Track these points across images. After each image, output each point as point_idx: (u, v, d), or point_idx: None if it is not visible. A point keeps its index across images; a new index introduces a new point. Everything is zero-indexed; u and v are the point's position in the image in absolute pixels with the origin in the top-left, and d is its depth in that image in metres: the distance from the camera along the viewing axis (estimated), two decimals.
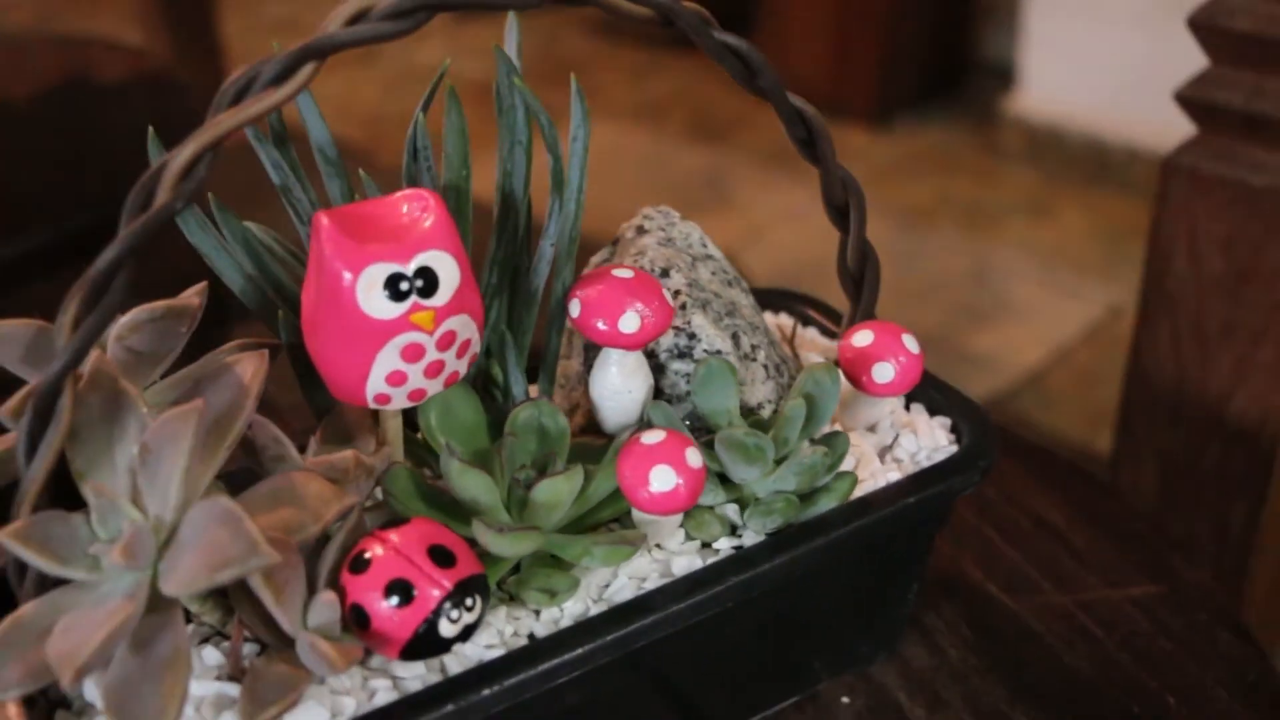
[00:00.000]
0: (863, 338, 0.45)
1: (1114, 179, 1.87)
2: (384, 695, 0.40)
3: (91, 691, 0.41)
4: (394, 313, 0.39)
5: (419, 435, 0.45)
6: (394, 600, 0.38)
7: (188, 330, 0.42)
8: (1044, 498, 0.58)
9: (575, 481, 0.41)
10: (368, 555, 0.39)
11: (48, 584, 0.39)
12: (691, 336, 0.46)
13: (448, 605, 0.38)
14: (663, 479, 0.40)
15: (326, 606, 0.39)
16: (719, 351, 0.46)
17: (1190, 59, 0.67)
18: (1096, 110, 1.83)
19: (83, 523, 0.39)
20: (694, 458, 0.41)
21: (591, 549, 0.41)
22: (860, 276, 0.48)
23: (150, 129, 0.41)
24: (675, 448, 0.41)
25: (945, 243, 1.76)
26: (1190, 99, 0.68)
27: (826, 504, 0.43)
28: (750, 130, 2.05)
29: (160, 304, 0.41)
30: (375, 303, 0.39)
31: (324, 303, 0.39)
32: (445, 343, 0.41)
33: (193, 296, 0.42)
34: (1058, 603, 0.54)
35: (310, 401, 0.45)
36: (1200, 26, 0.67)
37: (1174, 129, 0.67)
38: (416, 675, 0.40)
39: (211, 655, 0.41)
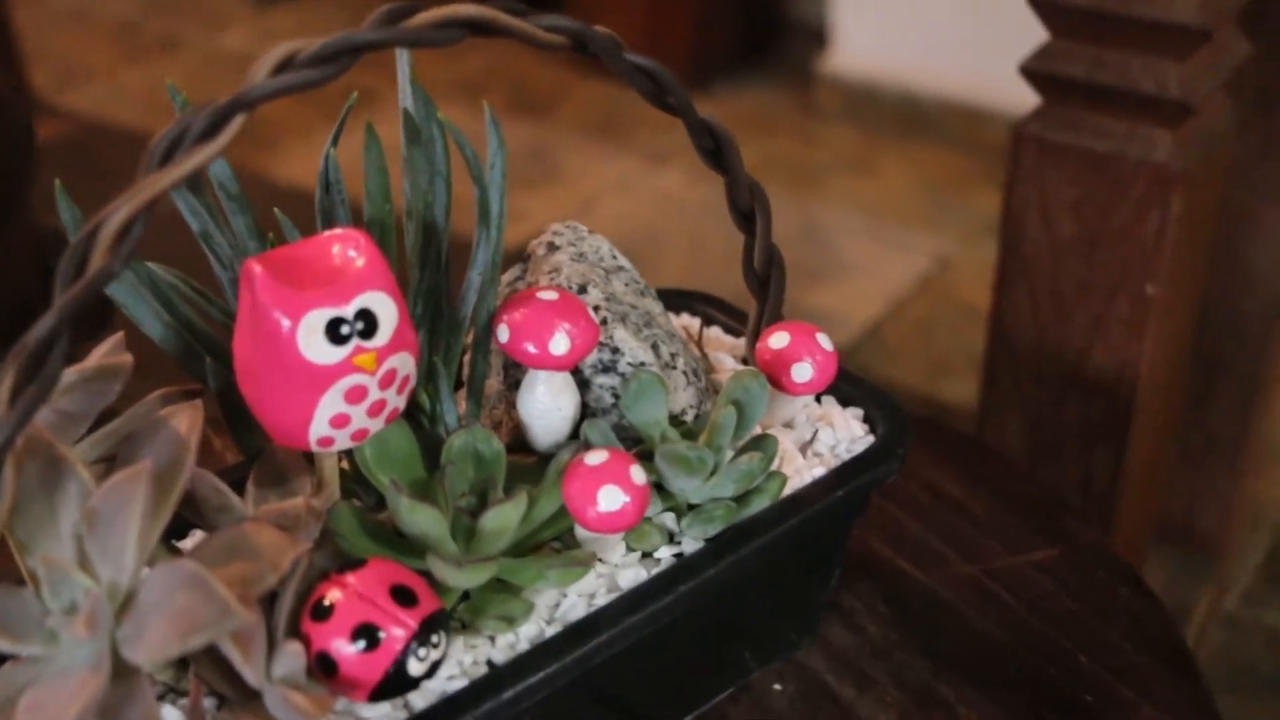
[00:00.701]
0: (779, 339, 0.49)
1: (930, 132, 1.95)
2: None
3: None
4: (336, 357, 0.40)
5: (343, 465, 0.46)
6: (361, 645, 0.40)
7: (119, 389, 0.42)
8: (938, 470, 0.63)
9: (521, 507, 0.43)
10: (328, 601, 0.40)
11: None
12: (615, 350, 0.48)
13: (415, 644, 0.40)
14: (610, 498, 0.43)
15: (292, 657, 0.40)
16: (643, 363, 0.48)
17: (998, 9, 0.72)
18: (908, 65, 1.91)
19: (31, 596, 0.39)
20: (638, 475, 0.43)
21: (545, 573, 0.43)
22: (767, 278, 0.51)
23: (57, 184, 0.41)
24: (619, 467, 0.43)
25: (773, 204, 1.82)
26: (1034, 71, 0.74)
27: (759, 504, 0.46)
28: (571, 103, 2.07)
29: (90, 364, 0.41)
30: (317, 348, 0.40)
31: (262, 350, 0.40)
32: (386, 381, 0.42)
33: (121, 353, 0.42)
34: (965, 573, 0.58)
35: (240, 445, 0.45)
36: (1040, 2, 0.72)
37: (988, 81, 0.71)
38: (382, 715, 0.42)
39: (170, 714, 0.42)
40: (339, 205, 0.46)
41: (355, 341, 0.40)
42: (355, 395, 0.41)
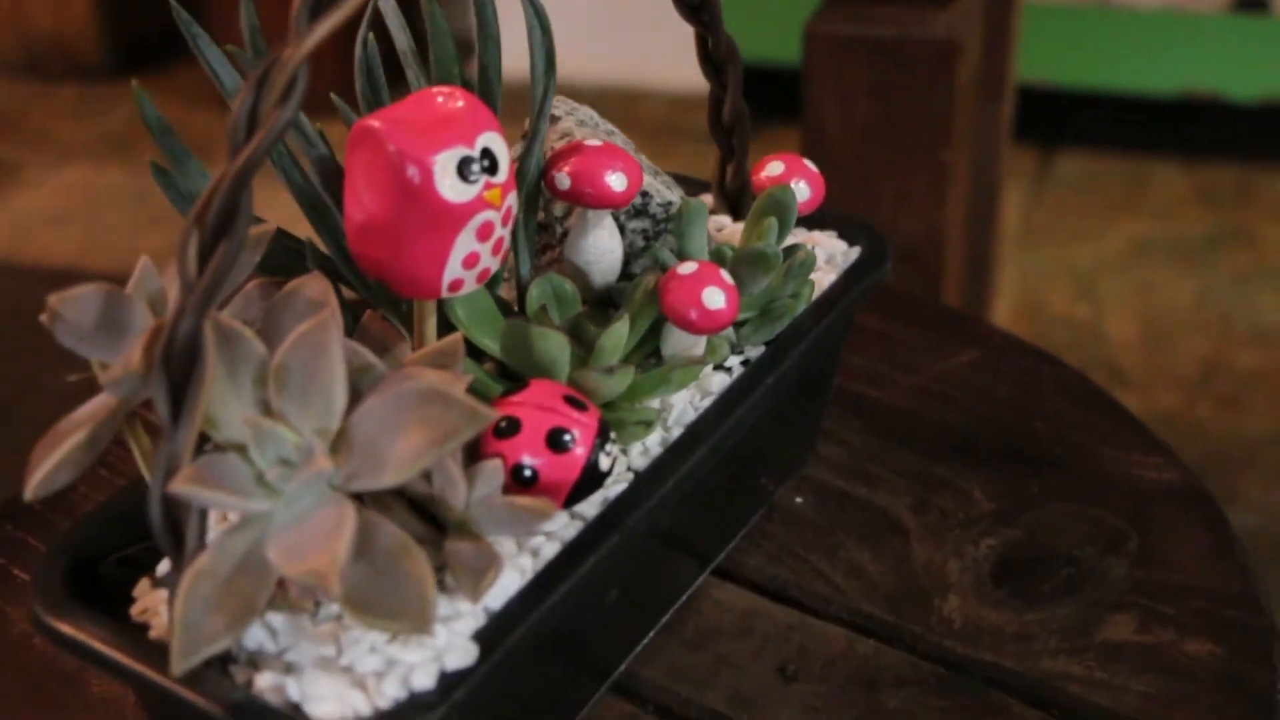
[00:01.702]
0: (774, 167, 0.57)
1: None
2: (548, 548, 0.46)
3: (257, 637, 0.43)
4: (469, 194, 0.45)
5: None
6: (557, 448, 0.45)
7: (259, 260, 0.45)
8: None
9: (625, 324, 0.50)
10: (513, 418, 0.45)
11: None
12: (644, 195, 0.55)
13: (600, 442, 0.46)
14: (713, 298, 0.50)
15: (492, 473, 0.45)
16: (670, 203, 0.56)
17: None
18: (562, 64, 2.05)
19: (237, 460, 0.42)
20: (727, 277, 0.51)
21: (669, 375, 0.50)
22: (733, 128, 0.60)
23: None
24: (711, 272, 0.50)
25: None
26: None
27: (802, 306, 0.55)
28: None
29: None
30: (452, 187, 0.45)
31: (395, 202, 0.45)
32: (506, 218, 0.48)
33: (268, 225, 0.45)
34: (913, 383, 0.69)
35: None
36: None
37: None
38: (559, 527, 0.47)
39: None
40: (382, 90, 0.51)
41: (484, 178, 0.46)
42: (485, 232, 0.46)
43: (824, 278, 0.56)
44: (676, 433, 0.49)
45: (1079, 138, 1.74)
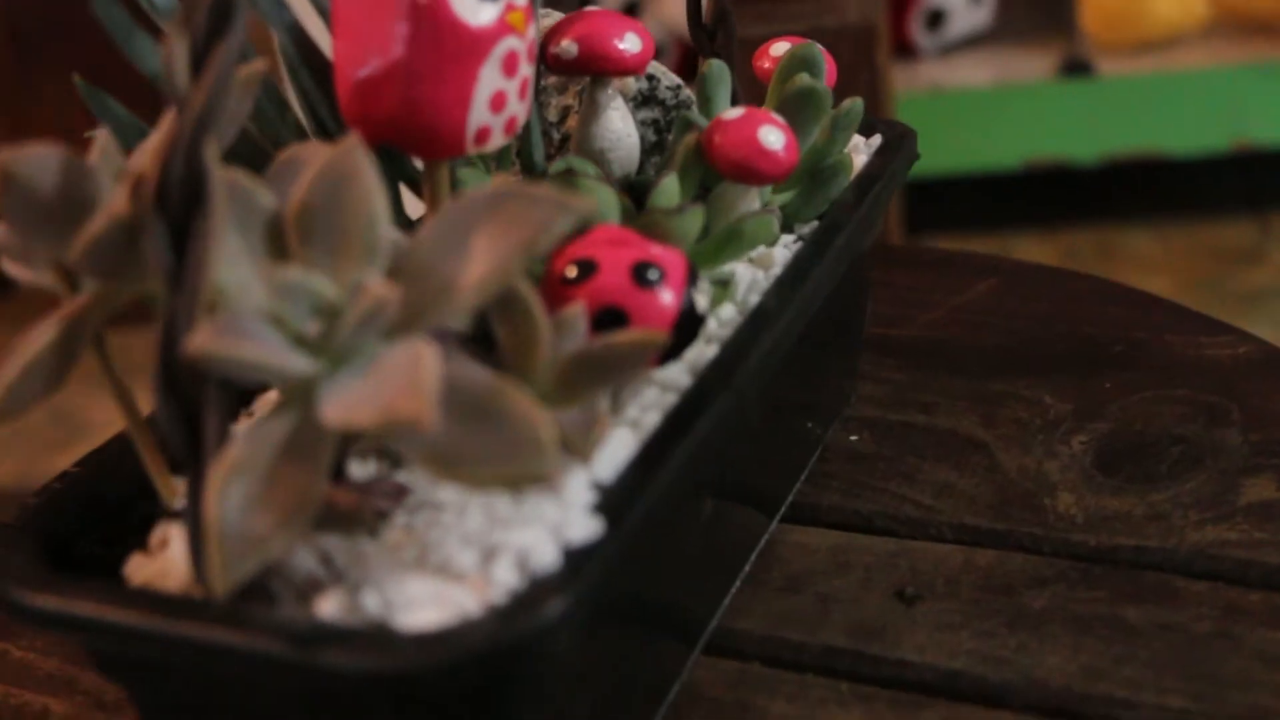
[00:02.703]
0: (779, 47, 0.52)
1: None
2: (649, 418, 0.38)
3: (306, 565, 0.34)
4: (490, 15, 0.38)
5: None
6: (644, 284, 0.37)
7: (250, 107, 0.37)
8: None
9: (674, 179, 0.43)
10: (586, 259, 0.38)
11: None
12: (650, 78, 0.49)
13: (691, 278, 0.38)
14: (770, 136, 0.43)
15: (574, 320, 0.37)
16: (678, 85, 0.49)
17: None
18: None
19: (264, 327, 0.33)
20: (779, 117, 0.45)
21: (740, 228, 0.43)
22: (715, 31, 0.54)
23: None
24: (760, 114, 0.44)
25: None
26: None
27: (845, 181, 0.49)
28: None
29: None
30: (469, 7, 0.38)
31: (401, 37, 0.37)
32: (531, 54, 0.40)
33: (256, 64, 0.37)
34: (936, 317, 0.62)
35: None
36: None
37: None
38: (656, 395, 0.39)
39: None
40: None
41: None
42: (510, 65, 0.39)
43: (856, 160, 0.50)
44: (751, 304, 0.41)
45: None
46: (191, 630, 0.31)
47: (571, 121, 0.47)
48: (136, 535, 0.37)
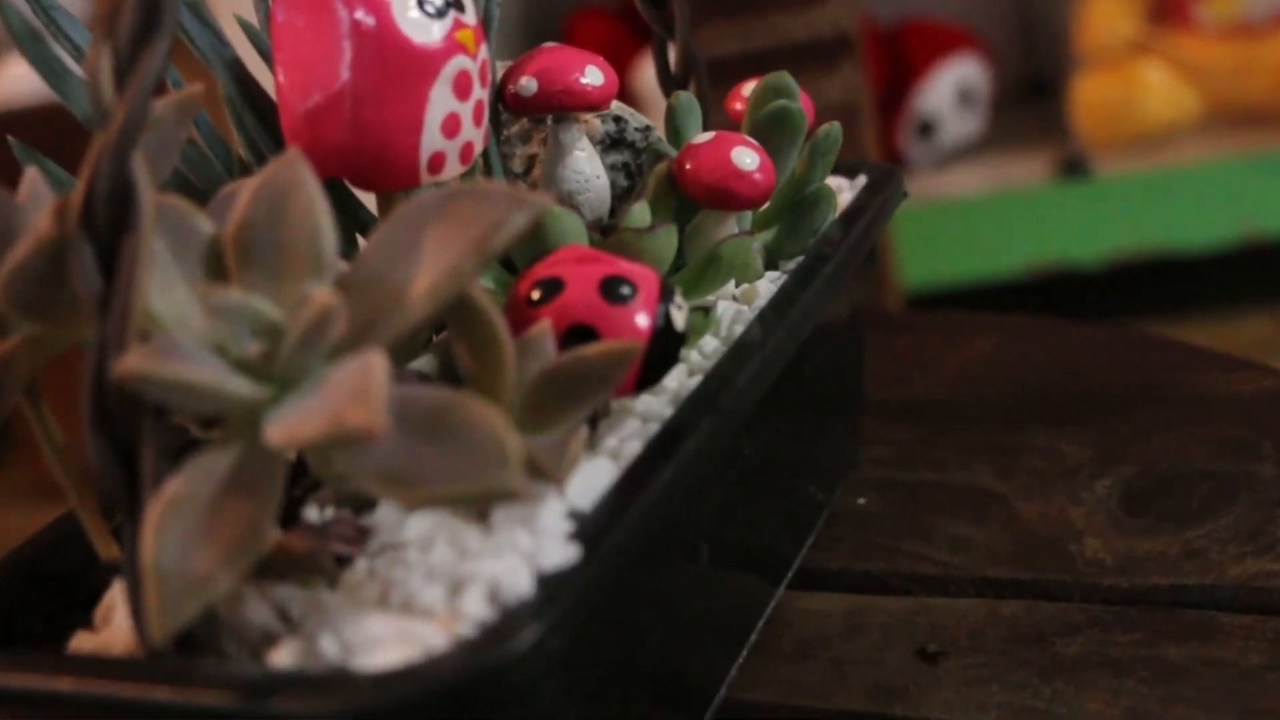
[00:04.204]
0: (752, 86, 0.51)
1: None
2: (630, 446, 0.36)
3: (261, 617, 0.32)
4: (437, 33, 0.38)
5: None
6: (615, 299, 0.36)
7: (186, 132, 0.36)
8: None
9: (645, 207, 0.42)
10: (551, 278, 0.36)
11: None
12: (617, 120, 0.48)
13: (666, 294, 0.37)
14: (745, 158, 0.42)
15: (540, 340, 0.35)
16: (647, 127, 0.48)
17: None
18: None
19: (206, 357, 0.31)
20: (749, 138, 0.44)
21: (718, 252, 0.41)
22: (684, 81, 0.53)
23: None
24: (733, 136, 0.43)
25: None
26: None
27: (828, 216, 0.47)
28: None
29: (168, 99, 0.34)
30: (417, 25, 0.37)
31: (347, 61, 0.37)
32: (484, 76, 0.40)
33: (193, 87, 0.36)
34: (938, 376, 0.61)
35: None
36: None
37: None
38: (635, 425, 0.37)
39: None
40: None
41: (452, 14, 0.38)
42: (462, 86, 0.38)
43: (840, 200, 0.49)
44: (735, 336, 0.40)
45: None
46: (129, 691, 0.29)
47: (538, 171, 0.46)
48: (83, 611, 0.35)
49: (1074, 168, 1.63)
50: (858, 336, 0.52)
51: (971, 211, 1.61)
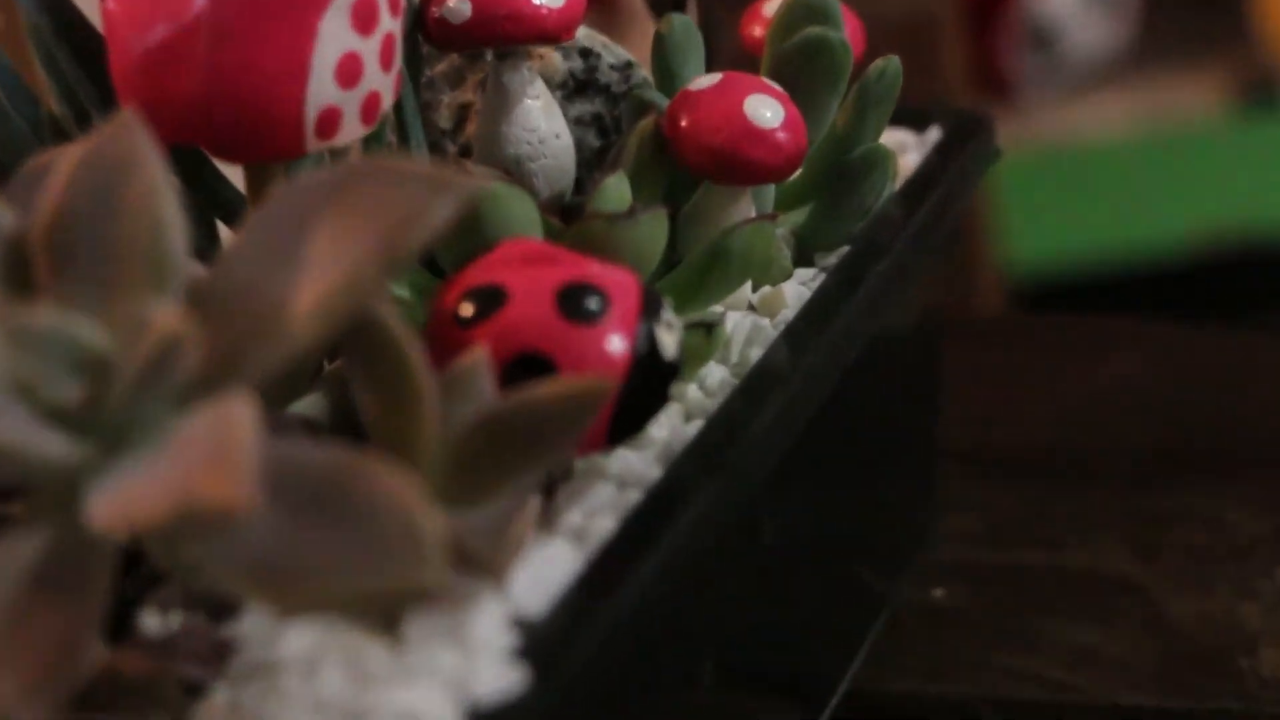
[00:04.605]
0: (775, 5, 0.53)
1: None
2: (600, 523, 0.38)
3: None
4: None
5: None
6: (578, 316, 0.37)
7: None
8: None
9: (623, 179, 0.44)
10: (490, 286, 0.38)
11: None
12: (585, 55, 0.50)
13: (649, 308, 0.39)
14: (767, 109, 0.44)
15: (474, 374, 0.37)
16: (627, 63, 0.50)
17: None
18: None
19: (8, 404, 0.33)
20: (769, 81, 0.46)
21: (726, 244, 0.43)
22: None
23: None
24: (746, 80, 0.45)
25: None
26: None
27: (880, 182, 0.49)
28: None
29: None
30: None
31: None
32: (394, 3, 0.42)
33: None
34: (1046, 413, 0.63)
35: None
36: None
37: None
38: (608, 495, 0.39)
39: None
40: None
41: None
42: (364, 15, 0.40)
43: (903, 162, 0.51)
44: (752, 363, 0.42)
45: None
46: None
47: (472, 128, 0.48)
48: None
49: (1262, 94, 1.64)
50: (931, 356, 0.54)
51: (1111, 160, 1.63)
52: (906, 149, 0.53)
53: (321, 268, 0.33)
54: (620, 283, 0.37)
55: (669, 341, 0.37)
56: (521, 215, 0.41)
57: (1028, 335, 0.67)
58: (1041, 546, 0.54)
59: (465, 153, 0.49)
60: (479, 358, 0.36)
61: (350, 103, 0.40)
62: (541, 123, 0.46)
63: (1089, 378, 0.63)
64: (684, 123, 0.44)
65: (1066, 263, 1.63)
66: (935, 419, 0.55)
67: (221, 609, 0.36)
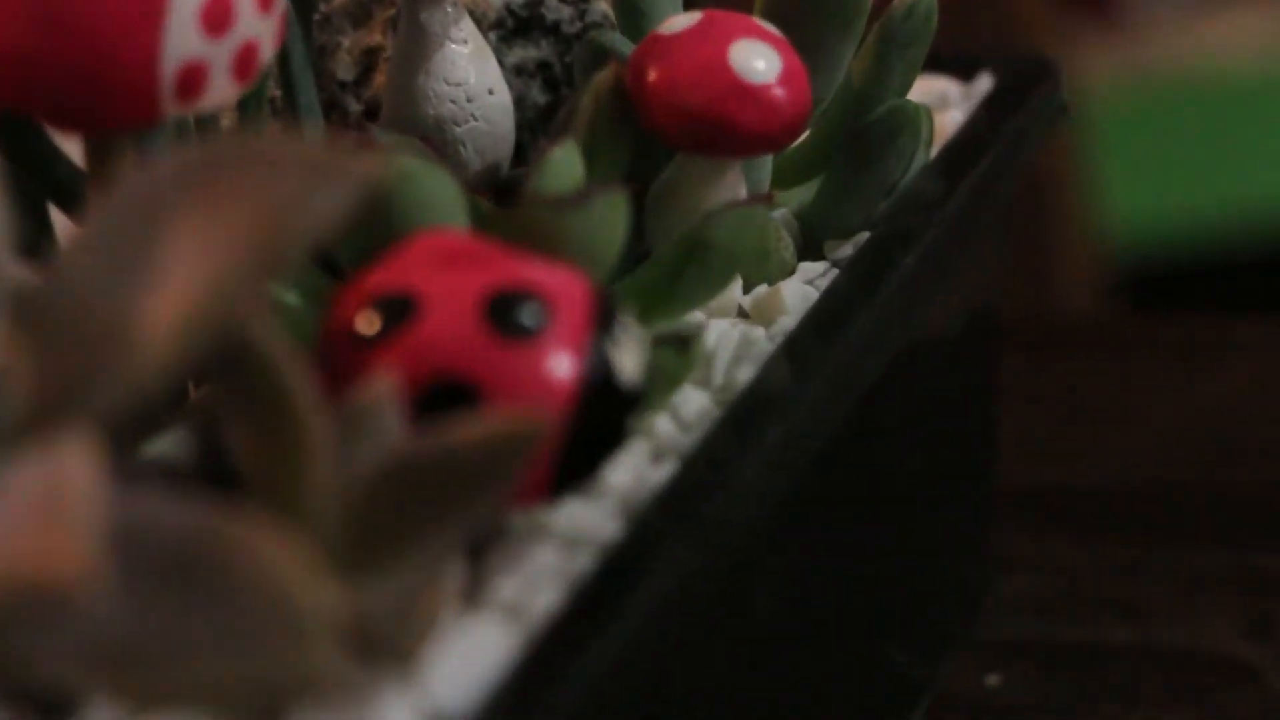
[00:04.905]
0: None
1: None
2: (540, 596, 0.39)
3: None
4: None
5: None
6: (509, 330, 0.39)
7: None
8: None
9: (572, 149, 0.45)
10: (399, 294, 0.40)
11: None
12: None
13: (604, 319, 0.40)
14: (759, 58, 0.46)
15: (381, 406, 0.38)
16: None
17: None
18: None
19: None
20: (762, 22, 0.47)
21: (706, 235, 0.45)
22: None
23: None
24: (732, 21, 0.47)
25: None
26: None
27: (909, 149, 0.51)
28: None
29: None
30: None
31: None
32: None
33: None
34: (1132, 445, 0.65)
35: None
36: None
37: None
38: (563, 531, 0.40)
39: None
40: None
41: None
42: None
43: (943, 120, 0.52)
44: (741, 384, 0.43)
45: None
46: None
47: (381, 78, 0.49)
48: None
49: None
50: (984, 372, 0.55)
51: (1243, 97, 1.63)
52: (948, 104, 0.54)
53: (179, 276, 0.34)
54: (565, 287, 0.39)
55: (628, 362, 0.38)
56: (441, 198, 0.42)
57: (1114, 341, 0.68)
58: (1125, 615, 0.55)
59: (372, 112, 0.50)
60: (385, 386, 0.37)
61: (219, 55, 0.41)
62: (470, 74, 0.47)
63: (1192, 399, 0.64)
64: (653, 76, 0.45)
65: (1181, 236, 1.63)
66: (990, 453, 0.56)
67: (55, 704, 0.37)
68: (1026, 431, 0.59)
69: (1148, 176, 1.63)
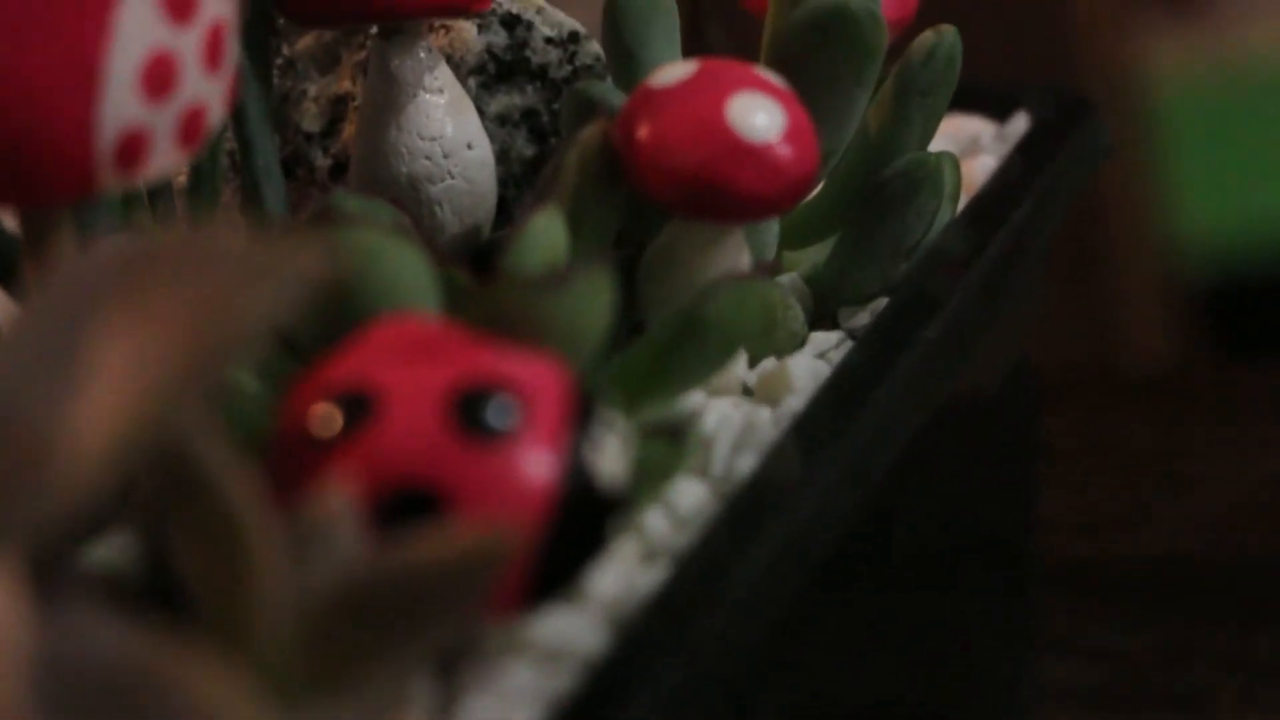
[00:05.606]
0: None
1: None
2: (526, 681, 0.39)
3: None
4: None
5: None
6: (481, 429, 0.39)
7: None
8: None
9: (554, 216, 0.45)
10: (358, 391, 0.40)
11: None
12: (511, 25, 0.52)
13: (583, 418, 0.40)
14: (760, 112, 0.46)
15: (338, 518, 0.39)
16: (575, 33, 0.52)
17: None
18: None
19: None
20: (765, 73, 0.47)
21: (701, 313, 0.45)
22: None
23: None
24: (729, 70, 0.47)
25: None
26: None
27: (930, 205, 0.50)
28: None
29: None
30: None
31: None
32: None
33: None
34: (1194, 512, 0.65)
35: None
36: None
37: None
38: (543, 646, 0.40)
39: None
40: None
41: None
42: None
43: (972, 167, 0.52)
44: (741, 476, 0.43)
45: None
46: None
47: (351, 130, 0.49)
48: None
49: None
50: (1019, 435, 0.55)
51: None
52: (980, 148, 0.54)
53: (108, 383, 0.34)
54: (540, 381, 0.39)
55: (609, 463, 0.38)
56: (408, 279, 0.42)
57: (1173, 399, 0.68)
58: (1186, 709, 0.55)
59: (341, 166, 0.50)
60: (341, 498, 0.37)
61: (161, 121, 0.41)
62: (446, 127, 0.48)
63: (1260, 460, 0.64)
64: (643, 134, 0.45)
65: (1269, 252, 1.63)
66: (1028, 525, 0.56)
67: None
68: (1065, 500, 0.59)
69: (1226, 184, 1.63)
